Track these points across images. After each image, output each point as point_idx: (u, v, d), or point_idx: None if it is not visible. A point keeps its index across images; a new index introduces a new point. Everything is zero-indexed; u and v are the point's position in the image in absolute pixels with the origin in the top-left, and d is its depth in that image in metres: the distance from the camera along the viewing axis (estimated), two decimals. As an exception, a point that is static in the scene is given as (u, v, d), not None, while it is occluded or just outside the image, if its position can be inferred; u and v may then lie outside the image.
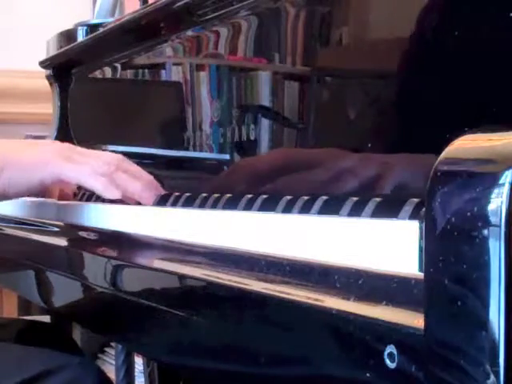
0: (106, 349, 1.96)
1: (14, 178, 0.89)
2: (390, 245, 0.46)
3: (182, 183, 0.89)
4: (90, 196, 1.10)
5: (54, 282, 1.00)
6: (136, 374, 1.54)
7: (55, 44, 1.48)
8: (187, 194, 0.86)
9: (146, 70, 1.20)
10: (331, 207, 0.61)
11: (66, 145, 0.93)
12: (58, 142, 0.94)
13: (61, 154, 0.90)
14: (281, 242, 0.57)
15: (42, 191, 0.94)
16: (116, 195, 0.87)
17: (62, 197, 1.05)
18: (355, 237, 0.50)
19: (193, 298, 0.63)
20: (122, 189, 0.88)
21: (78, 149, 0.94)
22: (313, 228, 0.54)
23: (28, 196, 0.97)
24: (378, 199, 0.58)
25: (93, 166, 0.89)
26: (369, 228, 0.49)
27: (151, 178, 0.91)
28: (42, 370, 0.88)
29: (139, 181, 0.89)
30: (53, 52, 1.47)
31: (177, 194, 0.88)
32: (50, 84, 1.51)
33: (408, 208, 0.54)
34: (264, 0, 0.86)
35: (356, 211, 0.59)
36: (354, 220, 0.54)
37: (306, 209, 0.64)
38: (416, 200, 0.54)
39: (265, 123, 0.88)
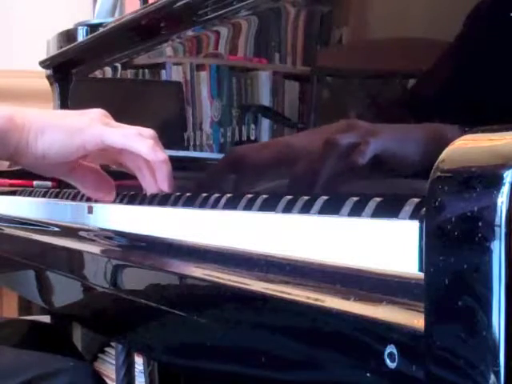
0: (106, 349, 1.96)
1: (55, 140, 0.87)
2: (390, 245, 0.46)
3: (182, 183, 0.89)
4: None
5: (54, 282, 1.00)
6: (136, 373, 1.54)
7: (55, 44, 1.48)
8: (187, 194, 0.86)
9: (146, 70, 1.20)
10: (331, 207, 0.61)
11: (105, 112, 0.91)
12: (98, 111, 0.90)
13: (102, 120, 0.88)
14: (281, 242, 0.57)
15: (82, 168, 0.91)
16: (161, 157, 0.84)
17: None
18: (355, 237, 0.50)
19: (193, 297, 0.63)
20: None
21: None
22: (313, 228, 0.54)
23: (67, 162, 0.93)
24: (378, 199, 0.58)
25: (137, 129, 0.87)
26: (369, 228, 0.49)
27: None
28: (37, 373, 0.88)
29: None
30: (53, 52, 1.47)
31: (177, 193, 0.88)
32: (51, 84, 1.51)
33: (408, 208, 0.54)
34: (264, 0, 0.86)
35: (356, 211, 0.59)
36: (354, 220, 0.54)
37: (306, 209, 0.64)
38: (416, 200, 0.54)
39: (265, 123, 0.88)
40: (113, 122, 0.89)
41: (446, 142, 0.40)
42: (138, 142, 0.85)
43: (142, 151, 0.85)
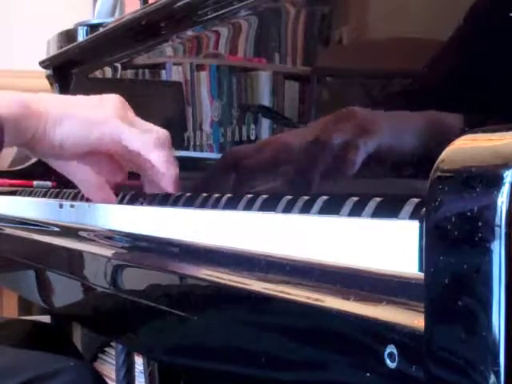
0: (106, 349, 1.96)
1: (73, 131, 0.86)
2: (390, 245, 0.46)
3: (182, 183, 0.89)
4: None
5: (54, 282, 1.00)
6: (136, 373, 1.54)
7: (55, 44, 1.48)
8: (187, 194, 0.86)
9: (146, 70, 1.20)
10: (331, 207, 0.61)
11: (123, 100, 0.90)
12: (117, 100, 0.90)
13: (121, 114, 0.87)
14: (281, 242, 0.57)
15: (97, 153, 0.90)
16: (173, 172, 0.85)
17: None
18: (355, 237, 0.50)
19: (193, 297, 0.63)
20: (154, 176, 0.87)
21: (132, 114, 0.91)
22: (313, 228, 0.54)
23: (84, 154, 0.92)
24: (378, 199, 0.58)
25: (157, 134, 0.87)
26: (369, 228, 0.49)
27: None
28: (37, 373, 0.87)
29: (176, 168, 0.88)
30: (53, 52, 1.48)
31: (177, 193, 0.88)
32: (51, 84, 1.51)
33: (408, 208, 0.54)
34: (264, 0, 0.86)
35: (356, 211, 0.59)
36: (354, 220, 0.54)
37: (306, 208, 0.64)
38: (416, 200, 0.54)
39: (265, 123, 0.88)
40: (130, 115, 0.89)
41: (444, 132, 0.40)
42: (155, 152, 0.85)
43: (156, 162, 0.85)
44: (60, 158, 0.92)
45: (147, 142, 0.86)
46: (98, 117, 0.87)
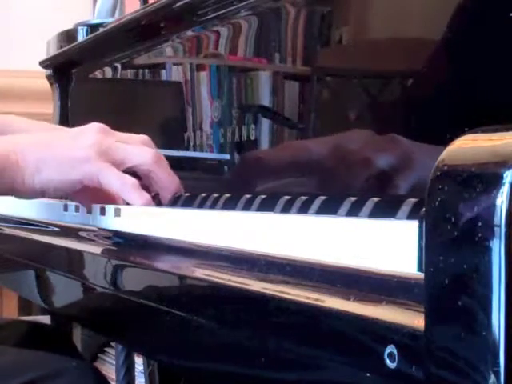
0: (106, 349, 1.96)
1: (52, 178, 0.85)
2: (390, 245, 0.46)
3: (182, 183, 0.89)
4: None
5: (54, 282, 1.00)
6: (136, 373, 1.54)
7: (55, 44, 1.48)
8: (187, 194, 0.86)
9: (146, 70, 1.20)
10: (329, 207, 0.61)
11: (103, 128, 0.87)
12: (95, 130, 0.87)
13: (102, 152, 0.85)
14: (280, 242, 0.57)
15: (80, 191, 0.88)
16: (167, 195, 0.85)
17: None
18: (354, 237, 0.50)
19: (193, 298, 0.63)
20: (155, 185, 0.86)
21: (118, 135, 0.89)
22: (311, 228, 0.54)
23: (68, 194, 0.91)
24: (375, 199, 0.58)
25: (138, 152, 0.85)
26: (369, 228, 0.49)
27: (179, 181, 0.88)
28: (38, 374, 0.87)
29: (174, 183, 0.87)
30: (53, 52, 1.48)
31: (177, 194, 0.88)
32: (51, 84, 1.51)
33: (406, 208, 0.54)
34: (264, 0, 0.86)
35: (354, 211, 0.59)
36: (353, 220, 0.54)
37: (304, 209, 0.64)
38: (413, 200, 0.54)
39: (265, 123, 0.88)
40: (112, 146, 0.86)
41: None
42: (134, 195, 0.84)
43: (136, 205, 0.84)
44: (46, 197, 0.93)
45: (126, 183, 0.84)
46: (76, 155, 0.85)
